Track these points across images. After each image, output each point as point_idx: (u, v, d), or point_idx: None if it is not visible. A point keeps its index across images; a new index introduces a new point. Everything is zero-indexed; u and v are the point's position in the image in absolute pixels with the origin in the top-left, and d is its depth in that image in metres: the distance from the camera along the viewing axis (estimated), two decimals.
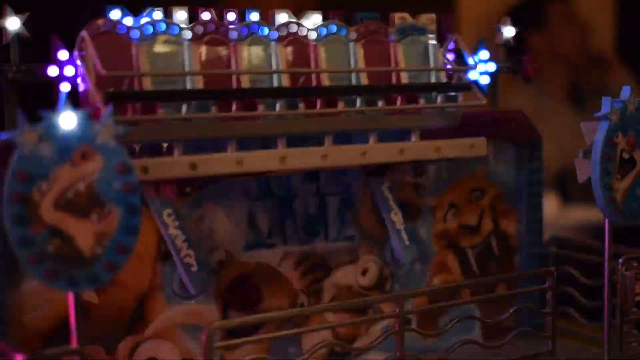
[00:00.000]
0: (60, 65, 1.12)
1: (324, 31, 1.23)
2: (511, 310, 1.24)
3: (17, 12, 1.09)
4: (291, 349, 1.30)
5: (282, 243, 1.31)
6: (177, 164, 1.10)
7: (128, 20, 1.12)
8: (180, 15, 1.16)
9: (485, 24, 1.42)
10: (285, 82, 1.20)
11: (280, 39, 1.21)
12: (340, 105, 1.22)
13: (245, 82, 1.17)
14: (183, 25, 1.15)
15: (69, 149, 0.88)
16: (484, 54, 1.43)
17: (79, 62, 1.11)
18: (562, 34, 3.05)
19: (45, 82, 1.12)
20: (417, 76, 1.30)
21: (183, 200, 1.15)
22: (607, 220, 1.28)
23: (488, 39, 1.46)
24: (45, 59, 1.12)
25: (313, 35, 1.23)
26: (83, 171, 0.89)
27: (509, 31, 1.47)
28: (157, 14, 1.15)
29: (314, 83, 1.23)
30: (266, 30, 1.19)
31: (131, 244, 0.92)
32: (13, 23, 1.09)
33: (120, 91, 1.09)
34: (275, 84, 1.19)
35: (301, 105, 1.20)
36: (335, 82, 1.23)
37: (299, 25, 1.22)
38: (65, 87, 1.12)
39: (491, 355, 1.32)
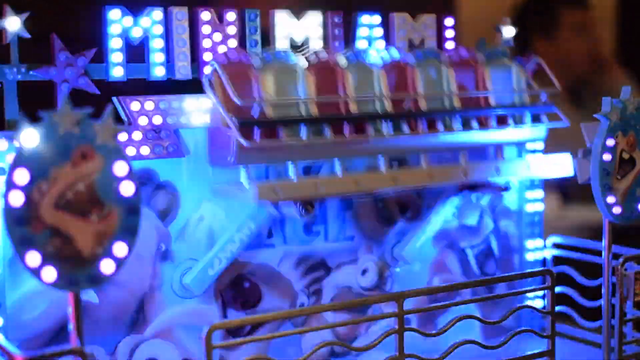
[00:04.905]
0: (60, 65, 1.12)
1: (421, 56, 1.31)
2: (511, 310, 1.24)
3: (17, 12, 1.09)
4: (291, 349, 1.30)
5: (282, 243, 1.31)
6: (302, 186, 1.18)
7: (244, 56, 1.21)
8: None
9: (485, 25, 1.42)
10: (389, 106, 1.27)
11: (383, 66, 1.28)
12: (438, 127, 1.30)
13: (353, 107, 1.24)
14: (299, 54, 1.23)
15: (69, 149, 0.88)
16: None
17: (208, 90, 1.17)
18: (571, 44, 3.03)
19: (45, 83, 1.12)
20: (502, 98, 1.37)
21: (306, 217, 1.22)
22: (606, 220, 1.28)
23: (488, 39, 1.45)
24: (45, 59, 1.12)
25: (411, 60, 1.31)
26: (83, 171, 0.89)
27: (508, 31, 1.47)
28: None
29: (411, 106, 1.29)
30: (372, 57, 1.27)
31: (131, 244, 0.92)
32: (13, 23, 1.09)
33: (253, 119, 1.16)
34: (378, 107, 1.26)
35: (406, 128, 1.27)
36: (430, 105, 1.31)
37: (401, 51, 1.31)
38: (64, 87, 1.12)
39: (491, 355, 1.32)
